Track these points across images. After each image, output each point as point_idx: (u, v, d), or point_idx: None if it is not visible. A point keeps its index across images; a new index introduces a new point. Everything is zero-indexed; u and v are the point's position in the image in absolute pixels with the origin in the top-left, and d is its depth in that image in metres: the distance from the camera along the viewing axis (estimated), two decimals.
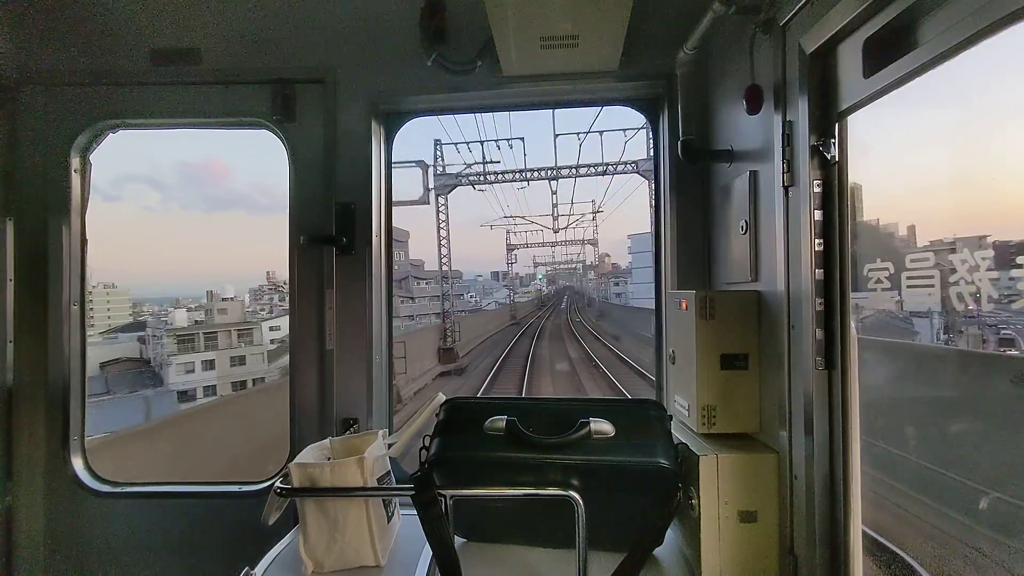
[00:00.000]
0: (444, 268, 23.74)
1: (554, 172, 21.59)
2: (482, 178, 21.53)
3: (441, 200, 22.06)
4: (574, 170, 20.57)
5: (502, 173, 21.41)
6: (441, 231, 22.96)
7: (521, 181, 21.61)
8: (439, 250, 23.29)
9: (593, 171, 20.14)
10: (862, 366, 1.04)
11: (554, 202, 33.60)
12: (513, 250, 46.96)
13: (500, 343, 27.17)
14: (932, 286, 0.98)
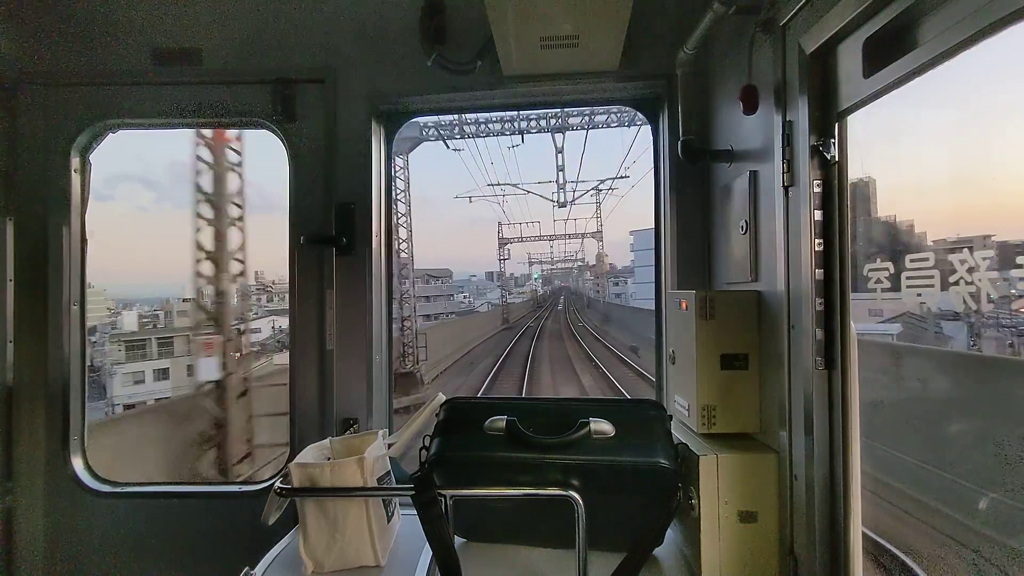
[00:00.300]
0: (404, 257, 15.95)
1: (560, 119, 15.08)
2: (458, 130, 15.21)
3: (399, 161, 14.94)
4: (587, 118, 14.78)
5: (486, 123, 15.08)
6: (398, 204, 15.29)
7: (514, 134, 15.13)
8: (395, 232, 15.21)
9: (615, 119, 14.78)
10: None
11: (559, 164, 22.64)
12: (505, 244, 42.39)
13: (488, 354, 21.66)
14: (931, 285, 0.98)
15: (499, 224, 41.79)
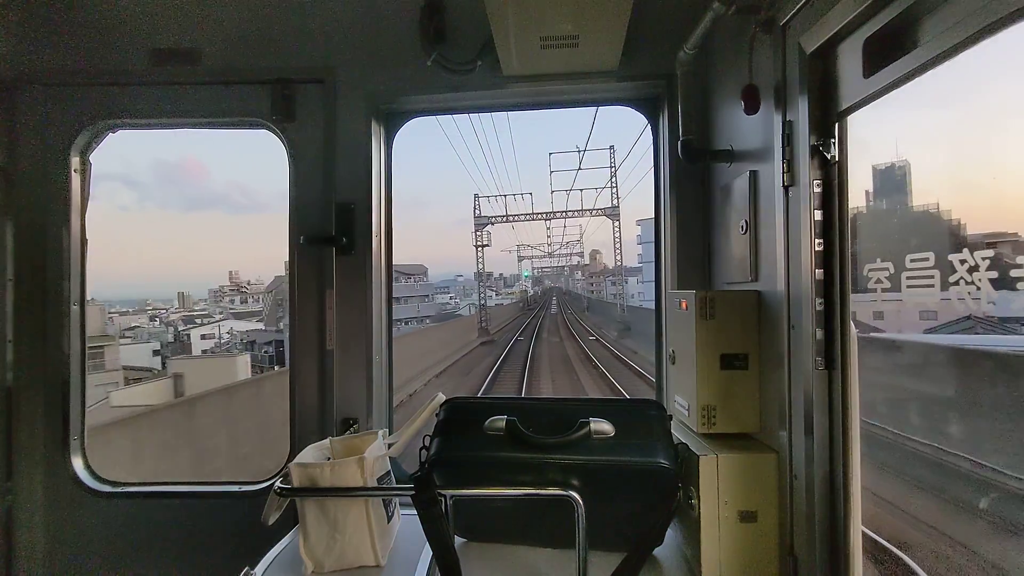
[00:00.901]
0: None
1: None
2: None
3: None
4: None
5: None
6: None
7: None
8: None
9: None
10: None
11: None
12: (485, 225, 31.75)
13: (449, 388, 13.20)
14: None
15: (475, 197, 31.32)
